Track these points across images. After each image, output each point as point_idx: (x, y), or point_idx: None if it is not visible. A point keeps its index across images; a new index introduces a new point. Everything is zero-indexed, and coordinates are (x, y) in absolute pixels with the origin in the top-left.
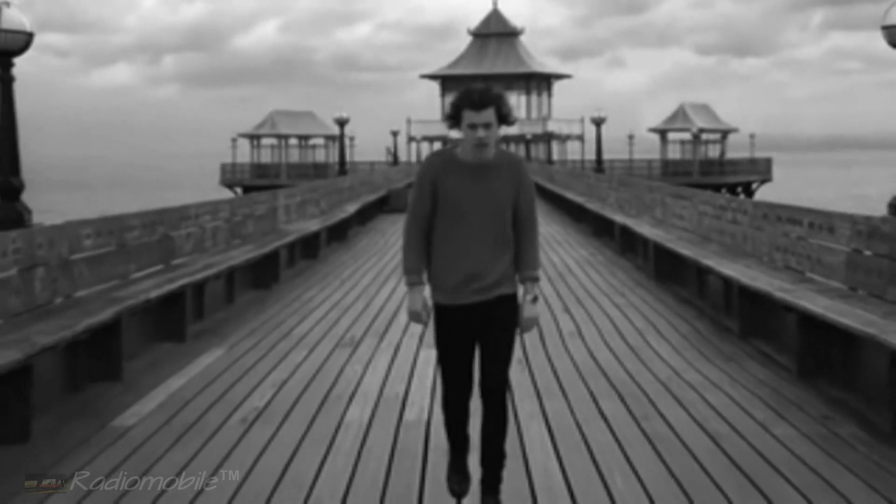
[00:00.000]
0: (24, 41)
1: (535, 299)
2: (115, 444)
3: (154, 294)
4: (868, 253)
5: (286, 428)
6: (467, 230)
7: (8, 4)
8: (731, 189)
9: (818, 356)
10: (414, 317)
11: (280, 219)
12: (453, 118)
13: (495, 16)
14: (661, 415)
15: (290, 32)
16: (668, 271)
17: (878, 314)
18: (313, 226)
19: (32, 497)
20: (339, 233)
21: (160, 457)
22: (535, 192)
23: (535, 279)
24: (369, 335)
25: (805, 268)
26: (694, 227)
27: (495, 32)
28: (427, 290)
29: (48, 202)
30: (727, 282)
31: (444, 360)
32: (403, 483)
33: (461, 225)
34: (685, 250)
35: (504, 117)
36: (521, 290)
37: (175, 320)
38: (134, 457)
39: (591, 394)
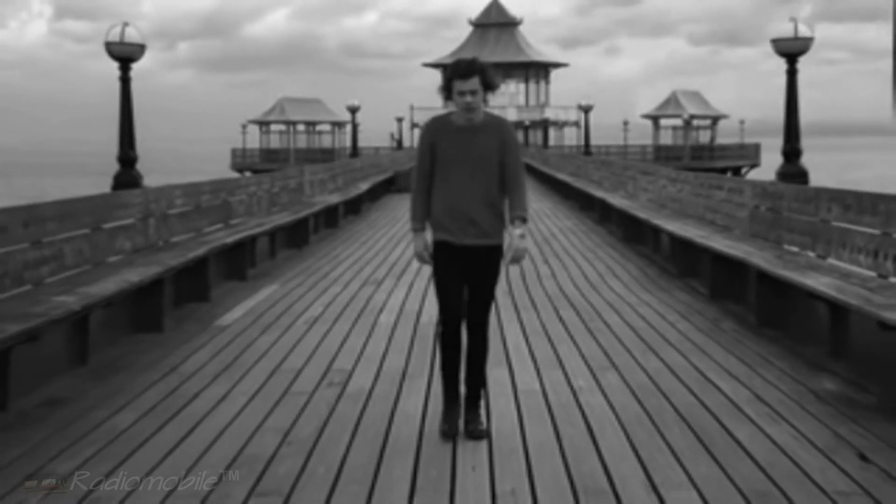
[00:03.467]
0: (139, 51)
1: (522, 235)
2: (222, 333)
3: (229, 240)
4: (762, 208)
5: (337, 326)
6: (459, 179)
7: (127, 24)
8: (721, 173)
9: (724, 283)
10: (418, 256)
11: (306, 192)
12: (446, 89)
13: (495, 6)
14: (602, 318)
15: (299, 20)
16: (633, 234)
17: (756, 248)
18: (334, 199)
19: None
20: (354, 207)
21: (254, 340)
22: (519, 149)
23: (524, 219)
24: (389, 277)
25: (725, 222)
26: (656, 198)
27: (495, 22)
28: (428, 234)
29: (62, 185)
30: (672, 237)
31: (439, 288)
32: (422, 352)
33: (454, 174)
34: (643, 214)
35: (488, 84)
36: (510, 230)
37: (238, 264)
38: (236, 341)
39: (555, 308)
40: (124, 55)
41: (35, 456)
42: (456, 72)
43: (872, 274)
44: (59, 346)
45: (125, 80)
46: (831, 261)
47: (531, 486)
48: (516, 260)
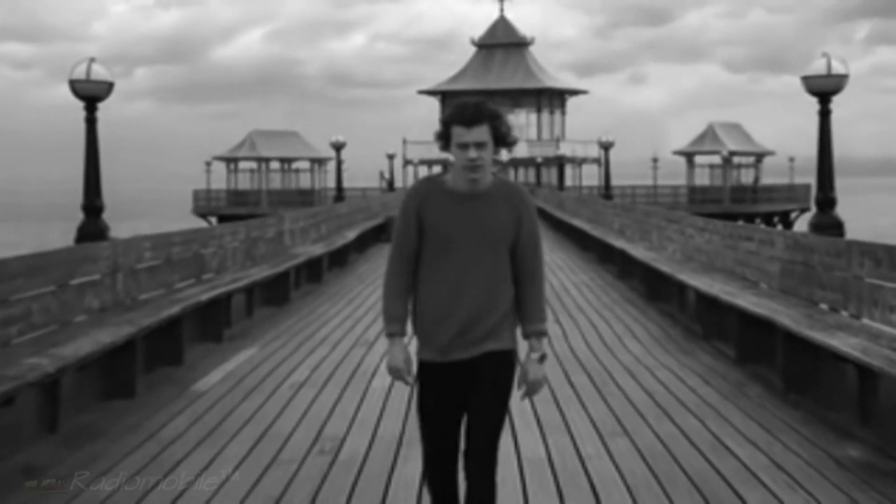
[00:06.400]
0: (106, 89)
1: (542, 358)
2: (201, 398)
3: (204, 297)
4: (795, 262)
5: (327, 390)
6: (456, 272)
7: (94, 60)
8: (767, 219)
9: (751, 344)
10: (394, 374)
11: (286, 242)
12: (443, 138)
13: (502, 24)
14: (615, 382)
15: (276, 43)
16: (656, 290)
17: (784, 305)
18: (317, 250)
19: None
20: (340, 258)
21: (236, 406)
22: (539, 229)
23: (543, 333)
24: (382, 338)
25: (756, 277)
26: (682, 249)
27: (502, 43)
28: (411, 346)
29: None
30: (698, 293)
31: (426, 427)
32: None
33: (449, 266)
34: (666, 268)
35: (501, 137)
36: (524, 348)
37: (213, 324)
38: (216, 407)
39: (565, 372)
40: (91, 94)
41: None
42: (458, 116)
43: None
44: (29, 413)
45: (91, 122)
46: (865, 320)
47: None
48: (531, 393)
